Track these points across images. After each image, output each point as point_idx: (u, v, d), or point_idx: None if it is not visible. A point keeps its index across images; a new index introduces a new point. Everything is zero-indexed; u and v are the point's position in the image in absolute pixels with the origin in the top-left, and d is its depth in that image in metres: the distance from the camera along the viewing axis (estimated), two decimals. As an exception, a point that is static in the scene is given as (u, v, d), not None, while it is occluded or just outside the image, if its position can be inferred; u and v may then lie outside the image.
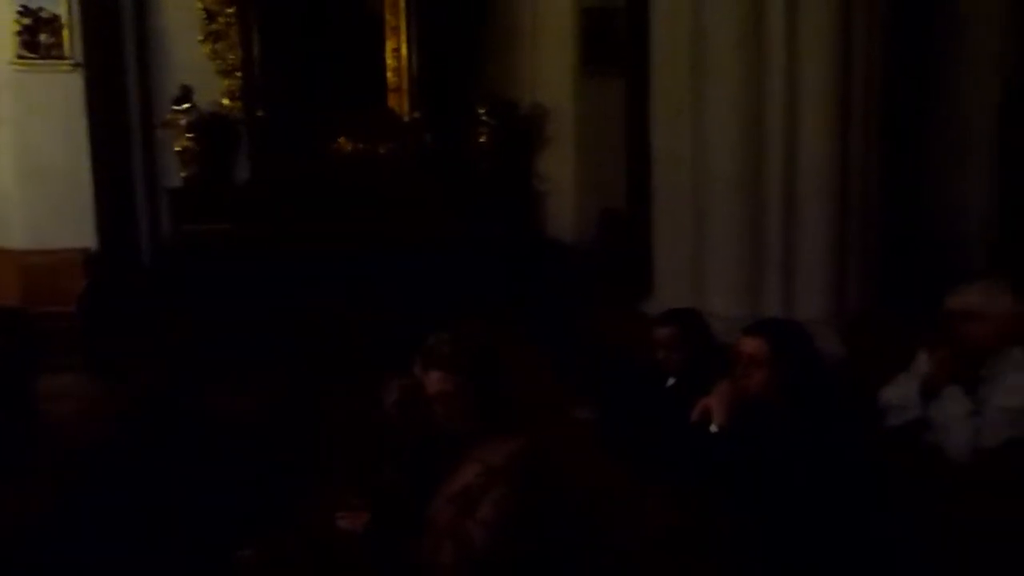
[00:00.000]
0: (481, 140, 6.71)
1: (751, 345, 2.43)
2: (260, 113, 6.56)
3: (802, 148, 4.16)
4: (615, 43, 6.46)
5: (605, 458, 2.63)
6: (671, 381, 3.02)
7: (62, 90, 5.90)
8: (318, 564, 2.07)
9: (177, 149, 6.42)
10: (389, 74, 6.72)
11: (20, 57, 5.85)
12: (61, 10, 5.83)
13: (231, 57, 6.57)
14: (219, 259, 6.13)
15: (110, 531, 2.28)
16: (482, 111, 6.63)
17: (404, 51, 6.68)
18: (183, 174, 6.45)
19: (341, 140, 6.73)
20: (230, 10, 6.45)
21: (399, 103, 6.71)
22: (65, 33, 5.86)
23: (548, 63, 6.76)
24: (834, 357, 3.63)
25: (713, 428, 2.38)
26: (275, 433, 3.18)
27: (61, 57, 5.88)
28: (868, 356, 3.68)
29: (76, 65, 5.91)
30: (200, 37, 6.50)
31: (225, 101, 6.60)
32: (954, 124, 5.88)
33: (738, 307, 4.24)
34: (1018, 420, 2.43)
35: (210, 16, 6.49)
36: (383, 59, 6.69)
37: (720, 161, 4.34)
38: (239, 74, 6.56)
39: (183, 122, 6.33)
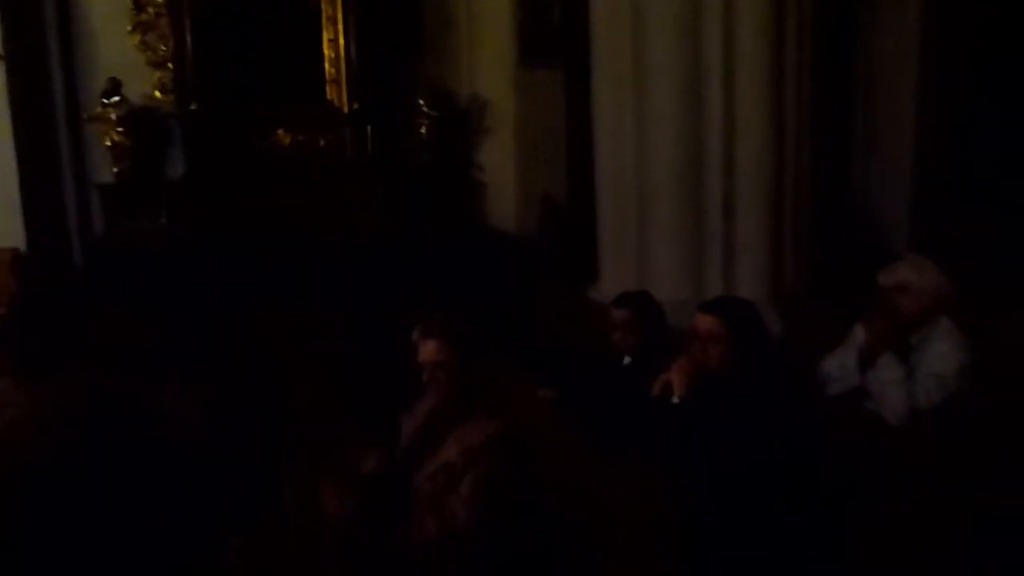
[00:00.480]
0: (421, 132, 6.72)
1: (707, 322, 2.57)
2: (193, 106, 6.40)
3: (740, 136, 4.35)
4: (553, 33, 6.56)
5: (569, 436, 2.73)
6: (627, 360, 3.14)
7: (-18, 83, 5.66)
8: (305, 548, 2.10)
9: (107, 144, 6.22)
10: (327, 65, 6.64)
11: (-63, 50, 5.57)
12: (-21, -1, 5.58)
13: (162, 49, 6.39)
14: (154, 257, 5.98)
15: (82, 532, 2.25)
16: (422, 102, 6.64)
17: (342, 42, 6.61)
18: (115, 169, 6.25)
19: (279, 133, 6.63)
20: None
21: (338, 95, 6.64)
22: (-16, 23, 5.61)
23: (486, 54, 6.81)
24: (773, 335, 3.83)
25: (674, 400, 2.52)
26: (231, 429, 3.16)
27: (-20, 49, 5.62)
28: (804, 333, 3.88)
29: (-2, 57, 5.67)
30: (129, 27, 6.31)
31: (157, 94, 6.43)
32: (876, 116, 6.24)
33: (682, 290, 4.41)
34: (947, 383, 2.64)
35: (138, 6, 6.31)
36: (320, 50, 6.62)
37: (661, 150, 4.50)
38: (171, 66, 6.39)
39: (113, 116, 6.13)
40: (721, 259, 4.51)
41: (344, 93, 6.63)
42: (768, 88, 4.32)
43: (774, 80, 4.33)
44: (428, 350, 2.19)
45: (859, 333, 2.93)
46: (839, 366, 2.95)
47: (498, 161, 7.01)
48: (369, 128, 6.66)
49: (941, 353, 2.71)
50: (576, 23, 5.40)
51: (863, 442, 2.56)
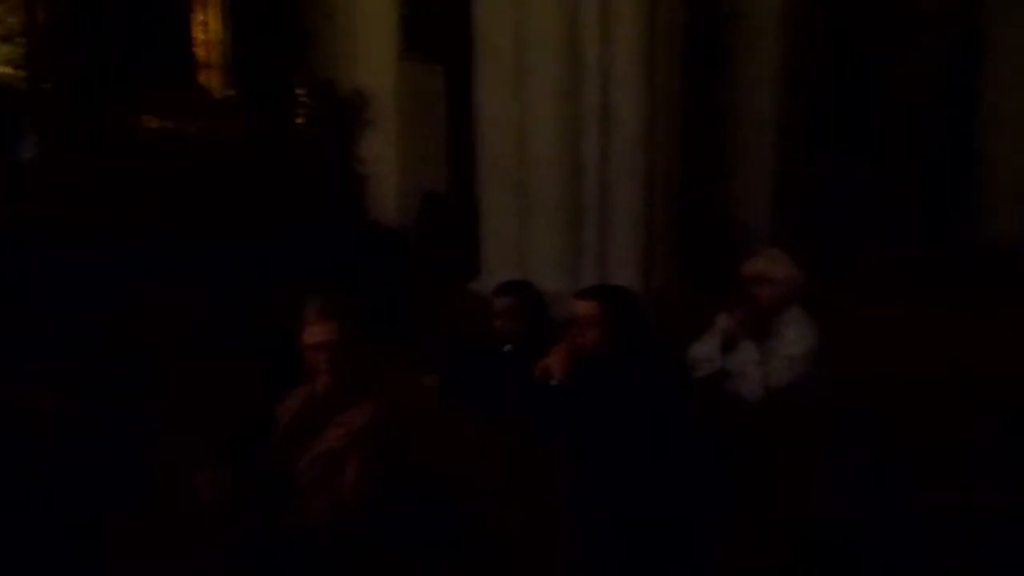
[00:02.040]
0: (300, 122, 6.58)
1: (585, 307, 2.69)
2: (47, 85, 5.98)
3: (615, 133, 4.54)
4: (435, 27, 6.58)
5: (452, 420, 2.78)
6: (508, 348, 3.22)
7: None
8: (185, 533, 2.04)
9: (-52, 120, 5.71)
10: (198, 48, 6.38)
11: None
12: None
13: (11, 21, 5.93)
14: (2, 244, 5.54)
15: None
16: (301, 92, 6.49)
17: (213, 24, 6.37)
18: (-43, 149, 5.75)
19: (145, 118, 6.30)
20: (10, -32, 5.83)
21: (210, 80, 6.39)
22: None
23: (368, 45, 6.75)
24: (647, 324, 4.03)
25: (554, 383, 2.62)
26: (96, 421, 3.01)
27: None
28: (674, 322, 4.11)
29: None
30: (-26, -4, 5.82)
31: (6, 70, 5.96)
32: (740, 124, 6.70)
33: (560, 282, 4.55)
34: (798, 365, 2.89)
35: (-15, -28, 5.84)
36: (190, 33, 6.34)
37: (541, 145, 4.63)
38: (21, 39, 5.94)
39: (-45, 90, 5.64)
40: (597, 252, 4.69)
41: (217, 79, 6.40)
42: (642, 87, 4.53)
43: (648, 78, 4.55)
44: (319, 331, 2.18)
45: (722, 321, 3.15)
46: (704, 351, 3.15)
47: (379, 154, 6.96)
48: (244, 117, 6.45)
49: (793, 338, 2.95)
50: (459, 17, 5.44)
51: (725, 417, 2.76)
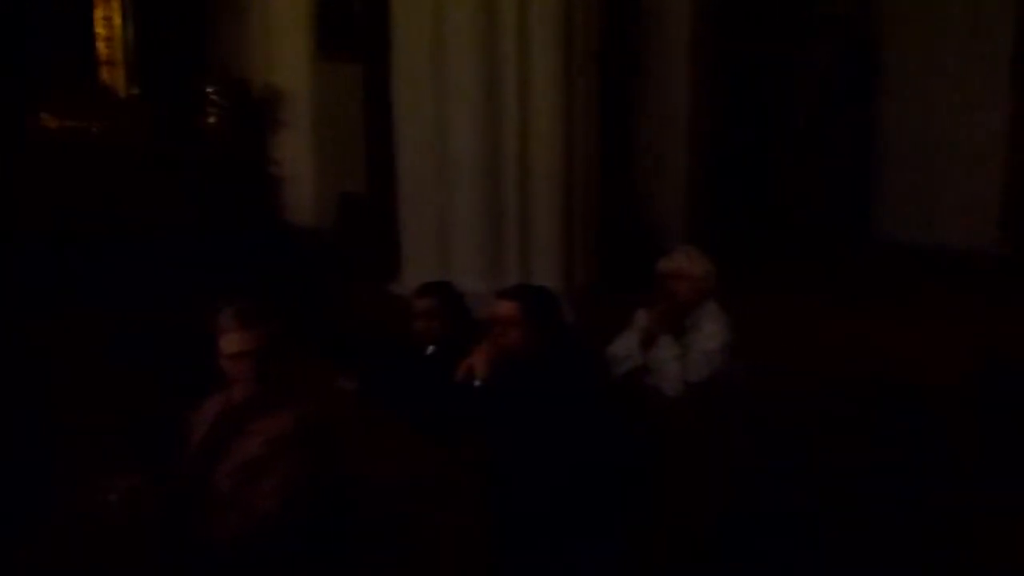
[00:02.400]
0: (211, 121, 6.38)
1: (506, 307, 2.70)
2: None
3: (534, 134, 4.59)
4: (352, 25, 6.49)
5: (373, 423, 2.74)
6: (430, 349, 3.20)
7: None
8: (93, 543, 1.94)
9: None
10: (100, 45, 6.11)
11: None
12: None
13: None
14: None
15: None
16: (211, 91, 6.30)
17: (117, 20, 6.11)
18: None
19: (44, 116, 5.99)
20: None
21: (114, 78, 6.13)
22: None
23: (281, 44, 6.60)
24: (567, 323, 4.07)
25: (477, 383, 2.61)
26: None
27: None
28: (594, 321, 4.17)
29: None
30: None
31: None
32: (654, 129, 6.88)
33: (481, 283, 4.55)
34: (714, 359, 2.98)
35: None
36: (92, 28, 6.07)
37: (461, 146, 4.63)
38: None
39: None
40: (518, 253, 4.72)
41: (122, 76, 6.15)
42: (560, 87, 4.59)
43: (565, 79, 4.61)
44: (238, 340, 2.11)
45: (641, 317, 3.21)
46: (624, 348, 3.20)
47: (295, 155, 6.83)
48: (151, 116, 6.21)
49: (709, 333, 3.04)
50: (376, 15, 5.38)
51: (645, 412, 2.82)
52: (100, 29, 6.11)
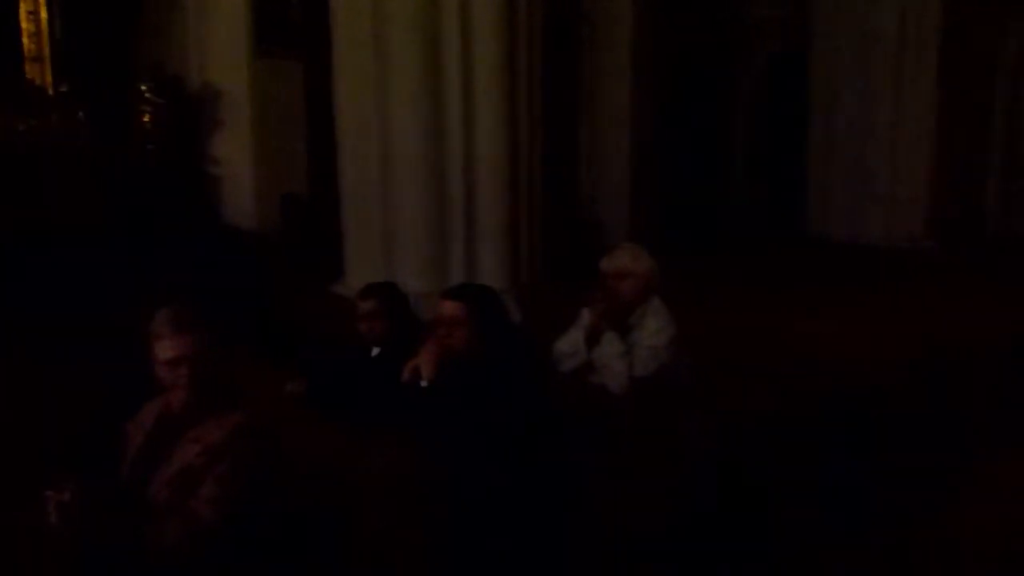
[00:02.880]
0: (145, 120, 6.19)
1: (451, 307, 2.68)
2: None
3: (478, 137, 4.57)
4: (292, 22, 6.37)
5: (320, 426, 2.70)
6: (375, 351, 3.17)
7: None
8: (29, 557, 1.87)
9: None
10: (26, 40, 5.87)
11: None
12: None
13: None
14: None
15: None
16: (145, 88, 6.11)
17: (43, 15, 5.88)
18: None
19: (-34, 114, 5.74)
20: None
21: (41, 74, 5.90)
22: None
23: (218, 40, 6.44)
24: (513, 320, 4.08)
25: (423, 384, 2.59)
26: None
27: None
28: (540, 319, 4.19)
29: None
30: None
31: None
32: (597, 127, 6.96)
33: (426, 283, 4.53)
34: (659, 355, 3.02)
35: None
36: (18, 23, 5.83)
37: (404, 146, 4.59)
38: None
39: None
40: (463, 253, 4.71)
41: (49, 73, 5.92)
42: (503, 86, 4.58)
43: (509, 78, 4.60)
44: (174, 345, 2.04)
45: (586, 315, 3.23)
46: (570, 345, 3.22)
47: (235, 154, 6.67)
48: (81, 114, 6.00)
49: (654, 329, 3.08)
50: (316, 11, 5.29)
51: (591, 408, 2.84)
52: (25, 24, 5.87)
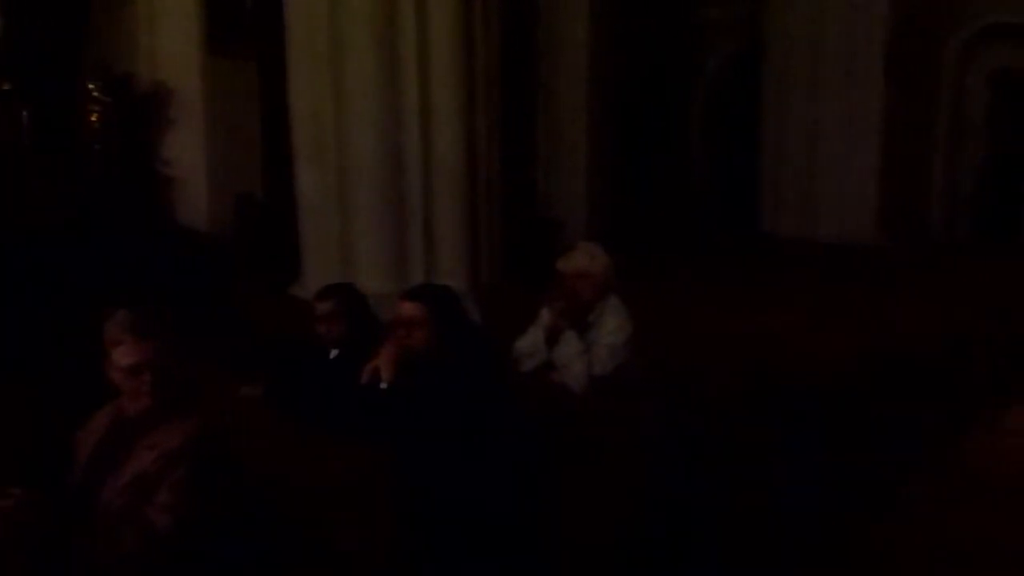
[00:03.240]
0: (93, 119, 6.03)
1: (409, 308, 2.68)
2: None
3: (436, 138, 4.55)
4: (245, 20, 6.27)
5: (278, 429, 2.67)
6: (334, 353, 3.14)
7: None
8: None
9: None
10: (-35, 37, 5.67)
11: None
12: None
13: None
14: None
15: None
16: (93, 87, 5.96)
17: (-17, 10, 5.69)
18: None
19: (-98, 113, 5.53)
20: None
21: (-19, 72, 5.70)
22: None
23: (169, 38, 6.30)
24: (473, 320, 4.08)
25: (383, 386, 2.58)
26: None
27: None
28: (500, 318, 4.20)
29: None
30: None
31: None
32: (555, 128, 7.00)
33: (385, 285, 4.50)
34: (618, 353, 3.05)
35: None
36: (-44, 18, 5.63)
37: (361, 145, 4.55)
38: None
39: None
40: (423, 254, 4.69)
41: (-10, 70, 5.72)
42: (461, 85, 4.57)
43: (467, 77, 4.59)
44: (131, 351, 2.00)
45: (545, 315, 3.25)
46: (529, 345, 3.24)
47: (187, 155, 6.53)
48: (25, 113, 5.81)
49: (613, 327, 3.11)
50: (271, 10, 5.21)
51: (552, 407, 2.86)
52: (-36, 20, 5.67)
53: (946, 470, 4.26)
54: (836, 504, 3.56)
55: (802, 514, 3.38)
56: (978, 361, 5.03)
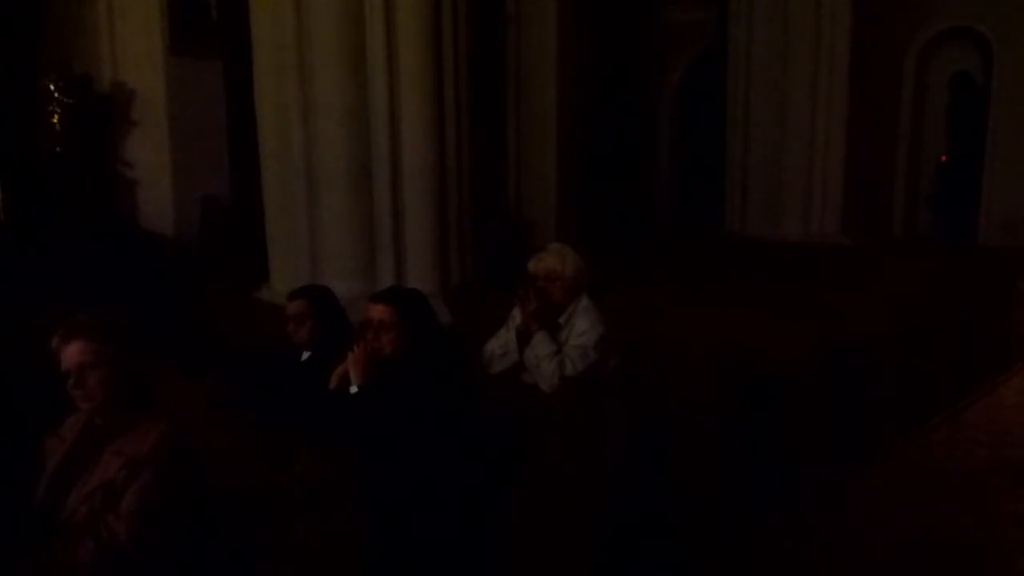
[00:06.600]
0: (53, 120, 5.91)
1: (379, 311, 2.66)
2: None
3: (405, 139, 4.52)
4: (209, 21, 6.18)
5: (244, 433, 2.63)
6: (305, 356, 3.11)
7: None
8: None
9: None
10: (-83, 36, 5.53)
11: None
12: None
13: None
14: None
15: None
16: (52, 87, 5.83)
17: (-64, 9, 5.55)
18: None
19: None
20: None
21: (-66, 72, 5.57)
22: None
23: (130, 38, 6.19)
24: (443, 324, 4.06)
25: (353, 389, 2.56)
26: None
27: None
28: (470, 320, 4.19)
29: None
30: None
31: None
32: (525, 129, 7.00)
33: (354, 288, 4.45)
34: (589, 354, 3.05)
35: None
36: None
37: (329, 147, 4.51)
38: None
39: None
40: (391, 257, 4.66)
41: (-56, 71, 5.59)
42: (429, 86, 4.54)
43: (435, 77, 4.56)
44: (72, 352, 1.97)
45: (516, 316, 3.25)
46: (500, 346, 3.24)
47: (150, 157, 6.43)
48: (-21, 115, 5.68)
49: (583, 328, 3.11)
50: (235, 9, 5.14)
51: (523, 408, 2.86)
52: (-84, 19, 5.53)
53: (903, 463, 4.36)
54: (789, 498, 3.63)
55: (755, 508, 3.43)
56: (936, 357, 5.14)
